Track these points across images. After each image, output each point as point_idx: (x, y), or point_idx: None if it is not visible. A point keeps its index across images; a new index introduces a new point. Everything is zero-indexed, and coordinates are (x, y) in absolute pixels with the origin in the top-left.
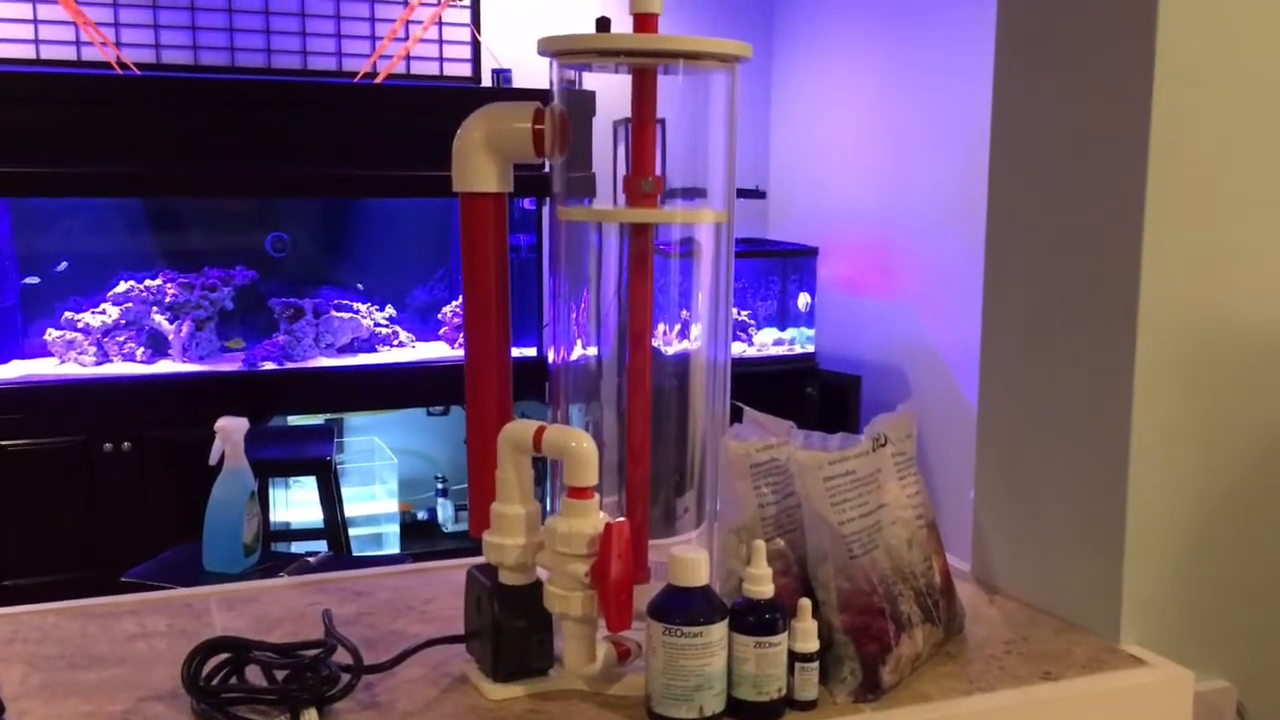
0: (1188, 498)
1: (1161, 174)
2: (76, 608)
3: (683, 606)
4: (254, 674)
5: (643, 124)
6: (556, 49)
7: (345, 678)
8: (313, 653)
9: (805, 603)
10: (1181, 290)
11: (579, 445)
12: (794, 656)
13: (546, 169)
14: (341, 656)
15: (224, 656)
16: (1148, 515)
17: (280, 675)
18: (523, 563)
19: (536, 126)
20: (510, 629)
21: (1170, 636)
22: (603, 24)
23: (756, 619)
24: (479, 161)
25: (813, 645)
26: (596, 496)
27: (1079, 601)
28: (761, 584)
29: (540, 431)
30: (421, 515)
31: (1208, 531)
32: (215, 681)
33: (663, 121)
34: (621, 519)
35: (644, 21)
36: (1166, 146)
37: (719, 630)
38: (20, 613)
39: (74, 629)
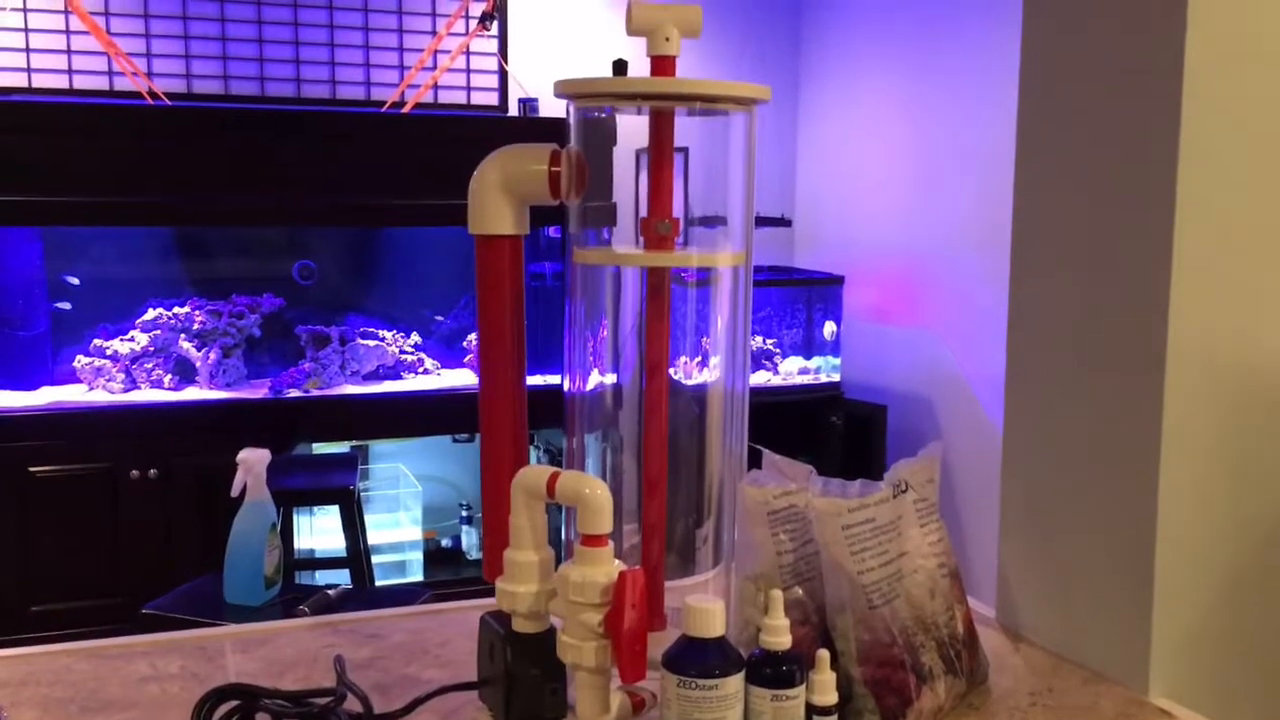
0: (1219, 543)
1: (1191, 206)
2: (90, 649)
3: (698, 658)
4: None
5: (659, 166)
6: (574, 92)
7: None
8: (324, 701)
9: (824, 654)
10: (1212, 327)
11: (592, 493)
12: (812, 709)
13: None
14: (352, 705)
15: (234, 704)
16: (1178, 561)
17: None
18: (536, 610)
19: (553, 169)
20: (523, 677)
21: (1201, 689)
22: (619, 67)
23: (774, 671)
24: (495, 204)
25: (831, 698)
26: (610, 544)
27: (1107, 650)
28: (779, 635)
29: (554, 478)
30: (446, 543)
31: (1240, 578)
32: None
33: (685, 150)
34: (636, 567)
35: (661, 64)
36: (1196, 176)
37: (735, 683)
38: (35, 654)
39: (86, 671)
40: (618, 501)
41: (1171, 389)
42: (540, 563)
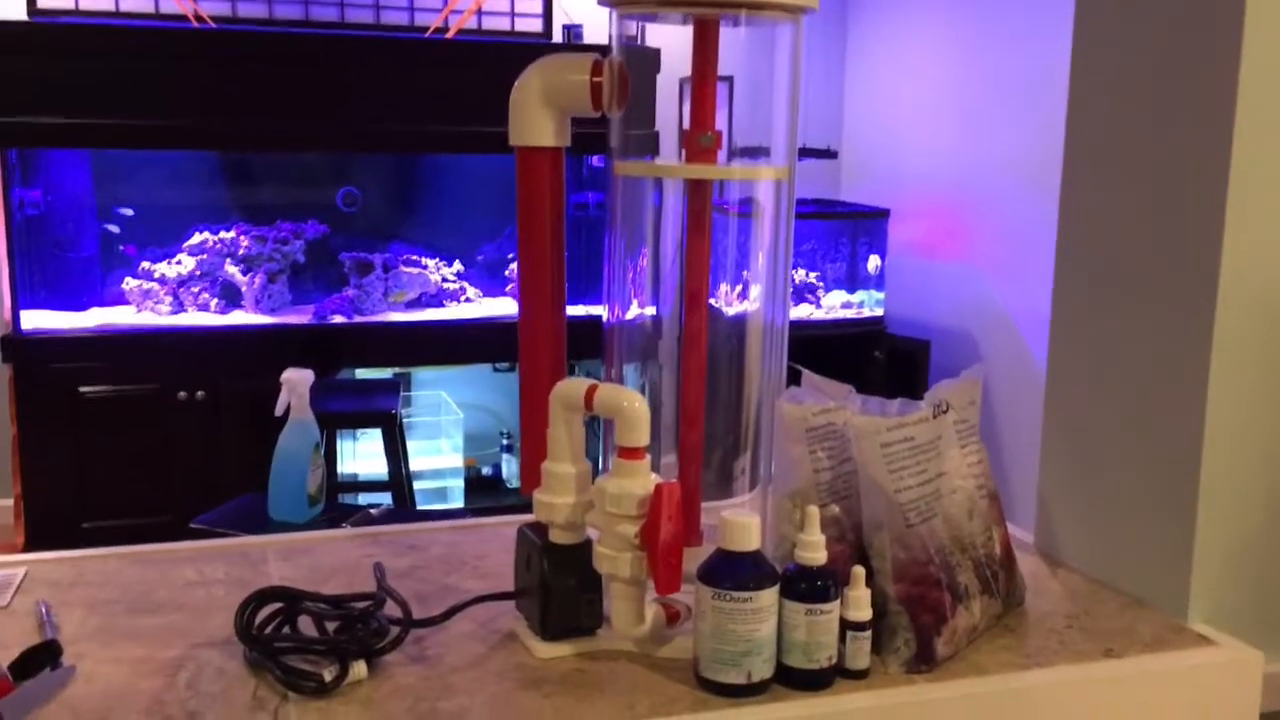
0: (1262, 472)
1: (1248, 141)
2: (137, 553)
3: (732, 571)
4: (306, 624)
5: (703, 78)
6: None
7: (394, 631)
8: (363, 605)
9: (859, 570)
10: (1267, 257)
11: (630, 405)
12: (846, 625)
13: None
14: (392, 610)
15: (277, 606)
16: (1220, 489)
17: (331, 626)
18: (573, 521)
19: (594, 79)
20: (559, 588)
21: (1240, 615)
22: None
23: (808, 586)
24: (535, 115)
25: (866, 614)
26: (648, 457)
27: (1145, 576)
28: (814, 550)
29: (592, 390)
30: (486, 470)
31: None
32: (268, 630)
33: (730, 79)
34: (673, 480)
35: None
36: (1255, 109)
37: (769, 596)
38: (83, 556)
39: (134, 574)
40: (656, 431)
41: (1222, 320)
42: (578, 474)
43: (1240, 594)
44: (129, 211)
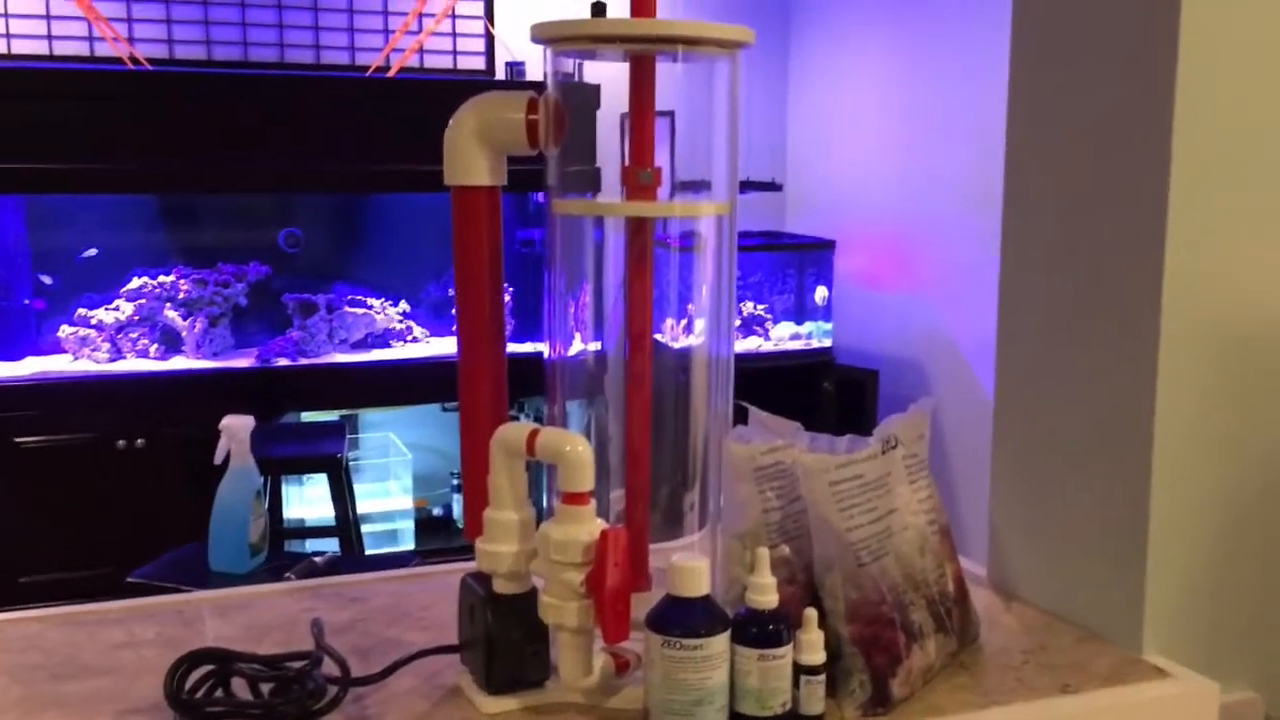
0: (1213, 502)
1: (1186, 167)
2: (64, 614)
3: (682, 618)
4: (240, 686)
5: (641, 115)
6: (550, 35)
7: (333, 691)
8: (299, 665)
9: (811, 613)
10: (1205, 288)
11: (574, 450)
12: (800, 669)
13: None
14: (330, 668)
15: (209, 668)
16: (1172, 519)
17: (266, 688)
18: (516, 571)
19: (530, 116)
20: (504, 639)
21: (1195, 646)
22: (598, 9)
23: (760, 630)
24: (471, 154)
25: (819, 657)
26: (593, 502)
27: (1100, 609)
28: (765, 593)
29: (534, 435)
30: (438, 511)
31: (1234, 536)
32: (199, 694)
33: (671, 114)
34: (618, 525)
35: (641, 6)
36: (1192, 135)
37: (720, 643)
38: (6, 620)
39: (59, 637)
40: (602, 470)
41: (1166, 348)
42: (520, 522)
43: (1195, 625)
44: (93, 251)
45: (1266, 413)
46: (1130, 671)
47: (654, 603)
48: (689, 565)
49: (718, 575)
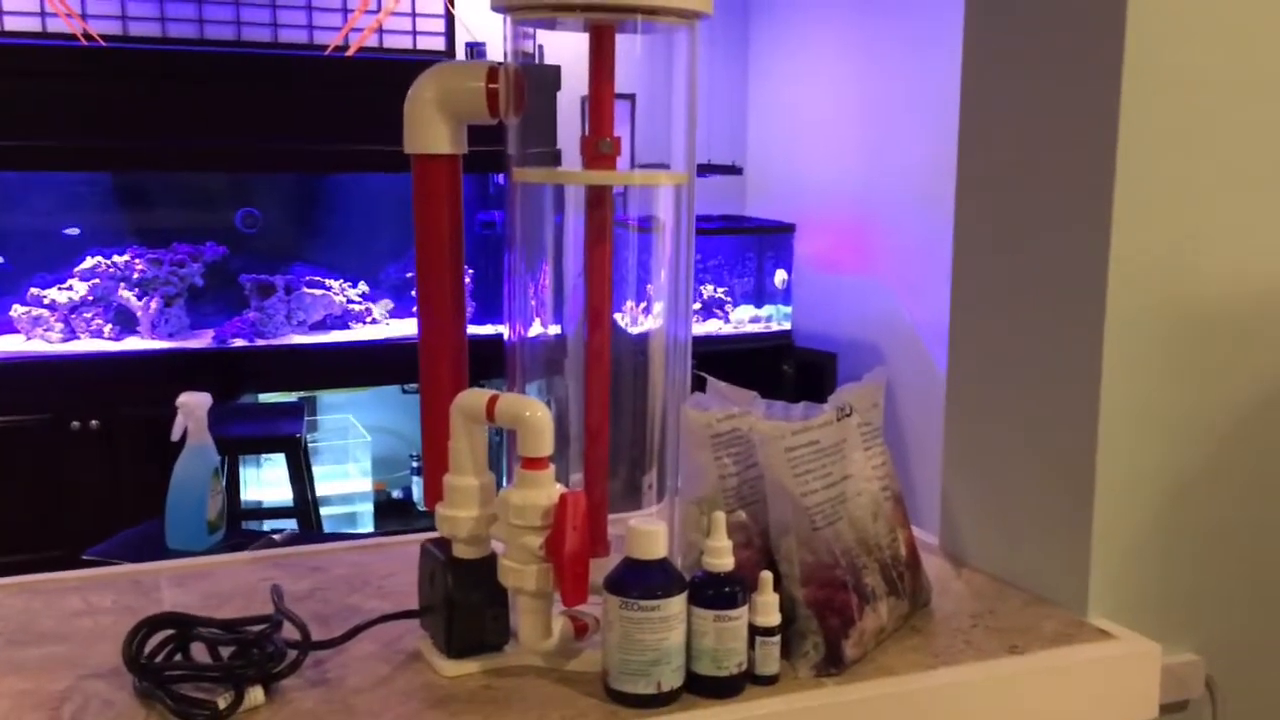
0: (1157, 471)
1: (1132, 149)
2: (21, 583)
3: (640, 580)
4: (199, 651)
5: (600, 84)
6: (510, 3)
7: (292, 654)
8: (259, 628)
9: (766, 576)
10: (1151, 266)
11: (533, 414)
12: (755, 630)
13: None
14: (290, 633)
15: (168, 633)
16: (1116, 490)
17: (226, 652)
18: (476, 535)
19: (490, 85)
20: (464, 604)
21: (1139, 610)
22: None
23: (716, 592)
24: (431, 122)
25: (774, 619)
26: (552, 467)
27: (1047, 575)
28: (721, 556)
29: (493, 400)
30: (396, 494)
31: (1177, 504)
32: (158, 659)
33: (632, 97)
34: (577, 490)
35: None
36: (1137, 119)
37: (677, 604)
38: None
39: (17, 605)
40: (561, 450)
41: (1112, 325)
42: (481, 487)
43: (1139, 589)
44: (75, 231)
45: (1210, 388)
46: (1076, 633)
47: (612, 567)
48: (647, 528)
49: (676, 541)
